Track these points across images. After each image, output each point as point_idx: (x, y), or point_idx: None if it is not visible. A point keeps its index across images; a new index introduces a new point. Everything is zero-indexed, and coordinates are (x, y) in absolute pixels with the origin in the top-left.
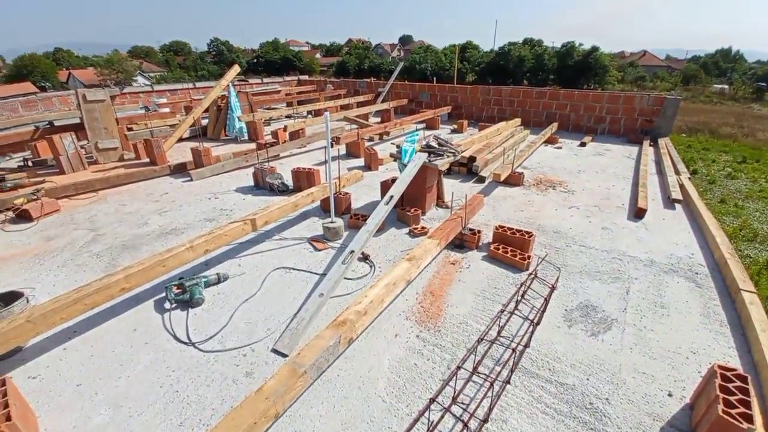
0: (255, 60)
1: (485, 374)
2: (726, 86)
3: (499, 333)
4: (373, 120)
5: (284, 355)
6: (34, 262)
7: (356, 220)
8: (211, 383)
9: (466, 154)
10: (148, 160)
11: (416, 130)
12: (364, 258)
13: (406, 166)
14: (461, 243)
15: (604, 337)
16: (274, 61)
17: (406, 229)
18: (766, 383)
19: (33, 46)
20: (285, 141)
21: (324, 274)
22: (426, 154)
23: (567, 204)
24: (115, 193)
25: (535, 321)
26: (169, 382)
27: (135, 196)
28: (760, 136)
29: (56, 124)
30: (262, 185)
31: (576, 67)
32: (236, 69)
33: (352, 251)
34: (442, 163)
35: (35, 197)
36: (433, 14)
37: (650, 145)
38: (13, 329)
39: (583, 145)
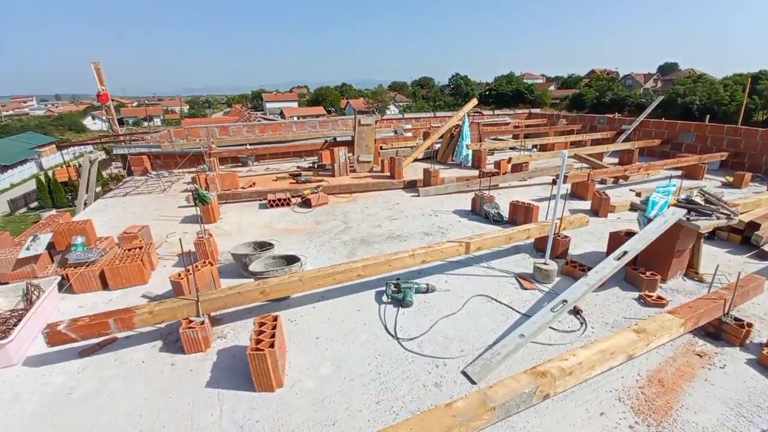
0: (487, 92)
1: None
2: None
3: None
4: (608, 161)
5: (472, 381)
6: (306, 237)
7: (572, 267)
8: (406, 379)
9: (746, 218)
10: (389, 173)
11: (670, 178)
12: (576, 312)
13: (650, 220)
14: (717, 333)
15: None
16: (504, 93)
17: (635, 294)
18: None
19: (329, 81)
20: (506, 172)
21: (527, 315)
22: (684, 211)
23: None
24: (363, 197)
25: None
26: (375, 363)
27: (375, 202)
28: None
29: (338, 139)
30: (478, 211)
31: None
32: (474, 101)
33: (565, 301)
34: (707, 225)
35: (316, 191)
36: (713, 37)
37: None
38: (291, 282)
39: None
